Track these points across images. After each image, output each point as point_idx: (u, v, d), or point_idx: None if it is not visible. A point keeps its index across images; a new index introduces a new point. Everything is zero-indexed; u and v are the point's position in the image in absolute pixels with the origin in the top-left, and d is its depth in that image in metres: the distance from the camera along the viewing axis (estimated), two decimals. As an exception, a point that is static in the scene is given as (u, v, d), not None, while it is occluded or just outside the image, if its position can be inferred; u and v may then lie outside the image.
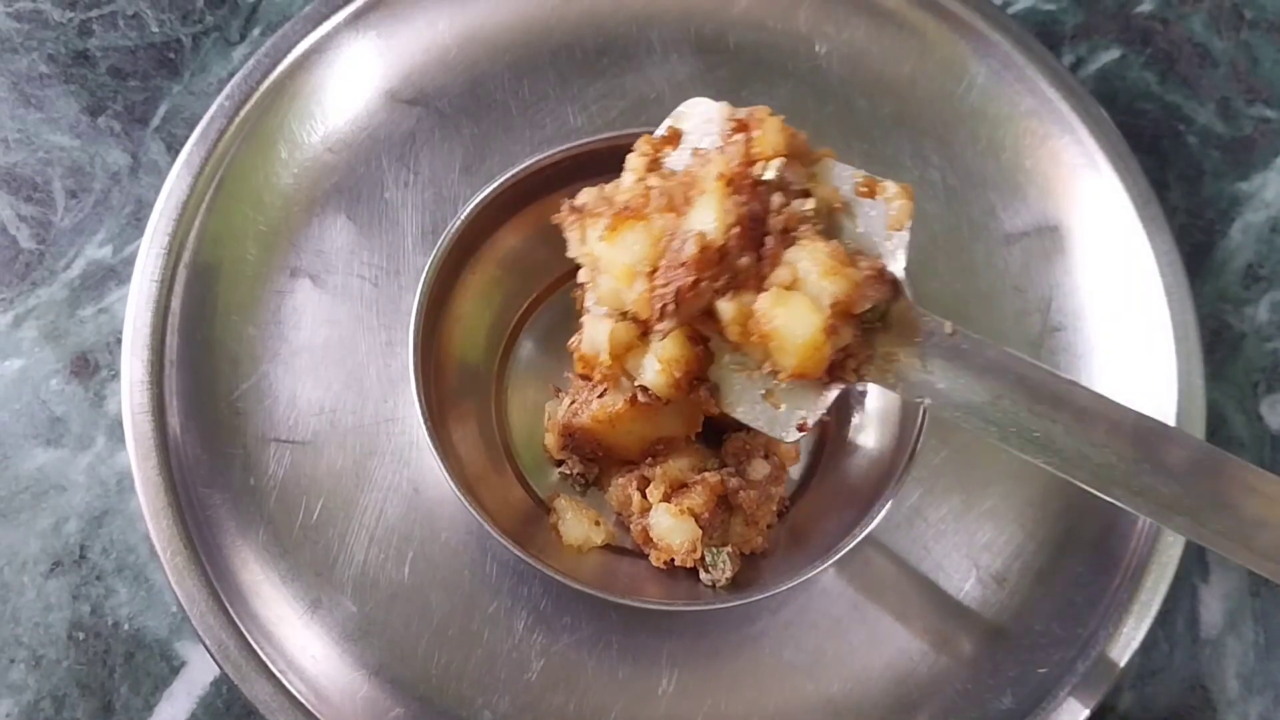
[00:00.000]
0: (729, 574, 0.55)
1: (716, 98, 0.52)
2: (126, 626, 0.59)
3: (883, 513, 0.52)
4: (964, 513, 0.58)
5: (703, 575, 0.55)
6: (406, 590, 0.55)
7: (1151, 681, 0.61)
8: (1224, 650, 0.62)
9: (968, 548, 0.58)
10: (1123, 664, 0.56)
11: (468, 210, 0.55)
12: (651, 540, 0.56)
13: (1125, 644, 0.56)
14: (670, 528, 0.54)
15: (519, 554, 0.51)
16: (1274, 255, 0.70)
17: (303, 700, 0.53)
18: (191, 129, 0.60)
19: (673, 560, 0.55)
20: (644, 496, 0.56)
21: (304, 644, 0.54)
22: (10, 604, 0.58)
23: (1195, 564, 0.63)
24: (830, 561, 0.51)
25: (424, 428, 0.51)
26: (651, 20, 0.66)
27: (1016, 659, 0.56)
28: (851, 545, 0.51)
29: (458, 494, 0.51)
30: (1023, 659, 0.56)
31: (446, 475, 0.51)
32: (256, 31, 0.70)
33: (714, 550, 0.55)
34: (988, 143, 0.65)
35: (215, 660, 0.53)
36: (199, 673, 0.58)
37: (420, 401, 0.52)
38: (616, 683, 0.54)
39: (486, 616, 0.55)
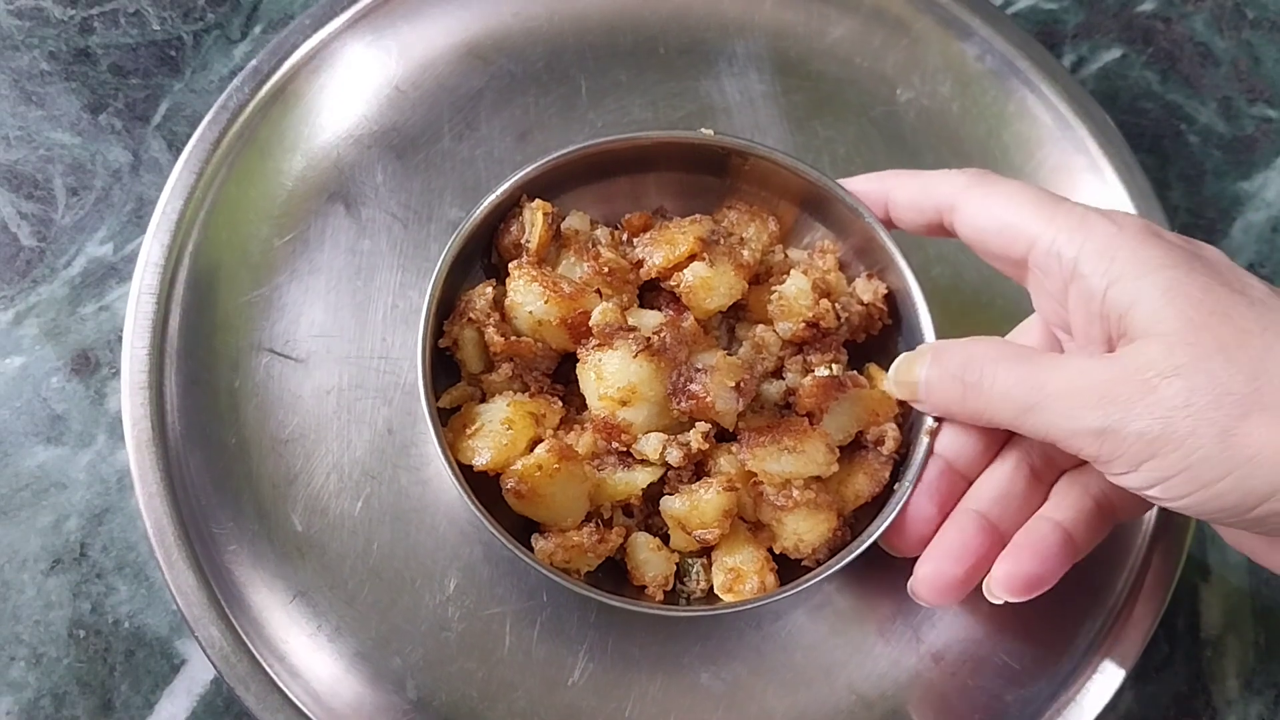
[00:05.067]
0: (704, 586, 0.54)
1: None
2: (127, 624, 0.59)
3: (869, 541, 0.52)
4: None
5: (678, 586, 0.55)
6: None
7: (1151, 681, 0.61)
8: (1224, 650, 0.62)
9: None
10: (1123, 664, 0.56)
11: (507, 184, 0.56)
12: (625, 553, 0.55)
13: (1125, 644, 0.56)
14: (646, 560, 0.54)
15: (518, 552, 0.50)
16: (1275, 255, 0.70)
17: (302, 706, 0.53)
18: (193, 127, 0.60)
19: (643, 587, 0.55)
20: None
21: (298, 641, 0.54)
22: (10, 602, 0.58)
23: (1195, 564, 0.63)
24: (815, 579, 0.52)
25: (423, 393, 0.52)
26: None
27: (1017, 659, 0.56)
28: (835, 568, 0.52)
29: (453, 479, 0.51)
30: (1022, 659, 0.56)
31: (447, 466, 0.51)
32: (258, 29, 0.70)
33: (689, 561, 0.55)
34: (987, 143, 0.65)
35: (212, 661, 0.53)
36: (199, 671, 0.58)
37: (423, 351, 0.52)
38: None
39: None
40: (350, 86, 0.63)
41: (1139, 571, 0.58)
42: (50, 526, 0.60)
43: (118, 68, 0.68)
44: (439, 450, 0.51)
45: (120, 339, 0.57)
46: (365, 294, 0.60)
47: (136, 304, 0.57)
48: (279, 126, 0.61)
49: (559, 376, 0.57)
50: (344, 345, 0.59)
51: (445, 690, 0.54)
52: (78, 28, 0.69)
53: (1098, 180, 0.64)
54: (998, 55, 0.66)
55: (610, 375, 0.51)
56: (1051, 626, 0.57)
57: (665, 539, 0.54)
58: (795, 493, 0.52)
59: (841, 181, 0.56)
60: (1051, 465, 0.51)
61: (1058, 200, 0.48)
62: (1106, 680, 0.56)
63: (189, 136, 0.60)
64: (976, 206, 0.49)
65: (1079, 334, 0.48)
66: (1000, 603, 0.49)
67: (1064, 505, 0.50)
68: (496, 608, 0.55)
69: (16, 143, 0.66)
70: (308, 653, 0.54)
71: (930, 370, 0.51)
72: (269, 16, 0.70)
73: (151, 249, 0.58)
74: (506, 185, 0.55)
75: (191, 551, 0.54)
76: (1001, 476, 0.51)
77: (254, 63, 0.61)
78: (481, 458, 0.51)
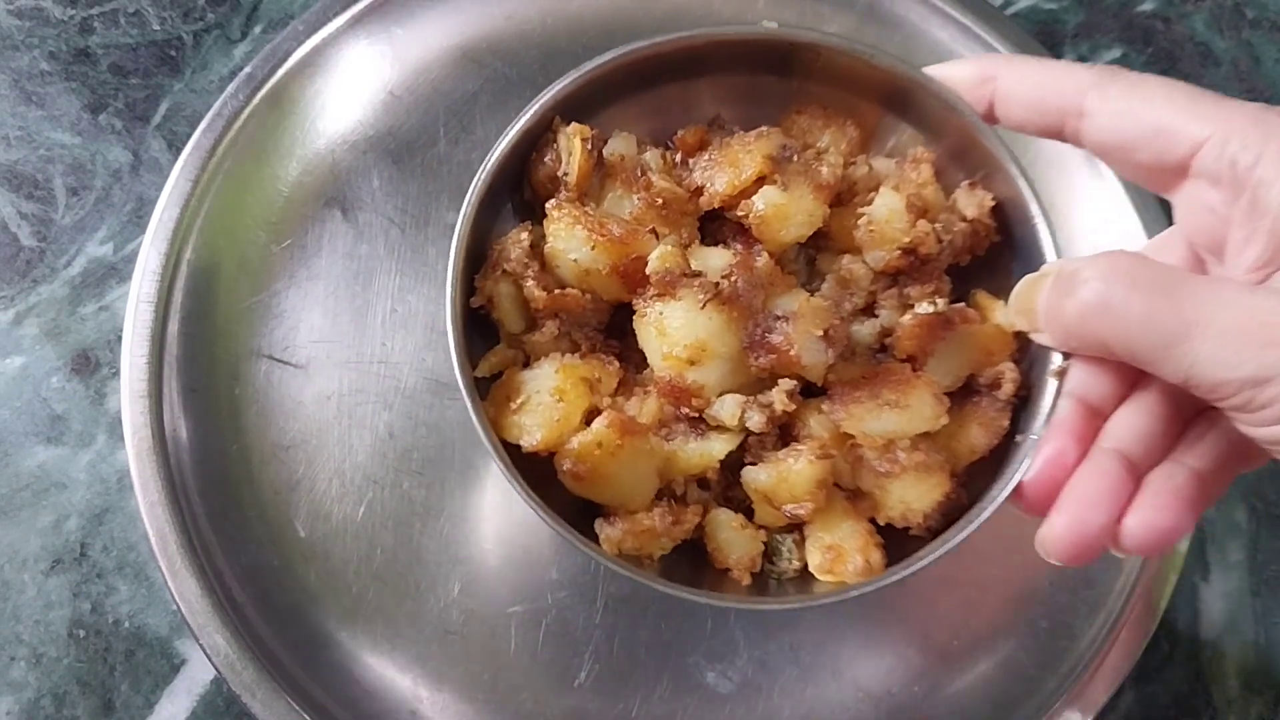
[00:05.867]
0: (797, 565, 0.48)
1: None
2: (127, 624, 0.59)
3: (977, 522, 0.45)
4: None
5: (766, 566, 0.49)
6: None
7: (1151, 681, 0.61)
8: (1224, 650, 0.62)
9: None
10: (1123, 664, 0.56)
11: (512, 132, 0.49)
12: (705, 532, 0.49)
13: (1126, 644, 0.56)
14: (728, 540, 0.48)
15: (585, 548, 0.45)
16: (1275, 255, 0.70)
17: (307, 713, 0.53)
18: (193, 127, 0.60)
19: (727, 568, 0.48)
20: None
21: (302, 648, 0.54)
22: (11, 602, 0.58)
23: (1195, 564, 0.63)
24: (918, 567, 0.45)
25: (460, 380, 0.45)
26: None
27: (1022, 657, 0.56)
28: (931, 559, 0.45)
29: (511, 480, 0.44)
30: (1028, 657, 0.56)
31: (506, 473, 0.45)
32: (258, 29, 0.70)
33: (779, 538, 0.48)
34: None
35: (216, 668, 0.53)
36: (199, 671, 0.58)
37: (456, 331, 0.46)
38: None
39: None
40: (345, 91, 0.62)
41: (1139, 571, 0.58)
42: (50, 526, 0.60)
43: (118, 68, 0.68)
44: (479, 429, 0.44)
45: (120, 339, 0.57)
46: (364, 299, 0.59)
47: (135, 312, 0.57)
48: (274, 133, 0.61)
49: (612, 329, 0.50)
50: (343, 350, 0.59)
51: (451, 694, 0.54)
52: (78, 28, 0.69)
53: (1096, 178, 0.64)
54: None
55: (675, 331, 0.44)
56: (1055, 625, 0.57)
57: (749, 513, 0.48)
58: (901, 455, 0.45)
59: (930, 70, 0.48)
60: (1192, 402, 0.42)
61: (1218, 96, 0.41)
62: (1107, 680, 0.56)
63: (189, 136, 0.60)
64: (1117, 107, 0.42)
65: (1235, 257, 0.41)
66: (1058, 563, 0.42)
67: (1201, 450, 0.43)
68: (501, 610, 0.55)
69: (16, 143, 0.66)
70: (312, 658, 0.54)
71: (1054, 294, 0.43)
72: (269, 16, 0.70)
73: (149, 257, 0.58)
74: (535, 107, 0.48)
75: (195, 558, 0.54)
76: (1143, 412, 0.44)
77: (248, 69, 0.61)
78: (532, 437, 0.45)
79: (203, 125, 0.60)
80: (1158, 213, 0.64)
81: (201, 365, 0.57)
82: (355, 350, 0.58)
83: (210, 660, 0.53)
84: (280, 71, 0.62)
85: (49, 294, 0.64)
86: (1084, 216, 0.63)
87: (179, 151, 0.60)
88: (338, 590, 0.55)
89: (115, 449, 0.61)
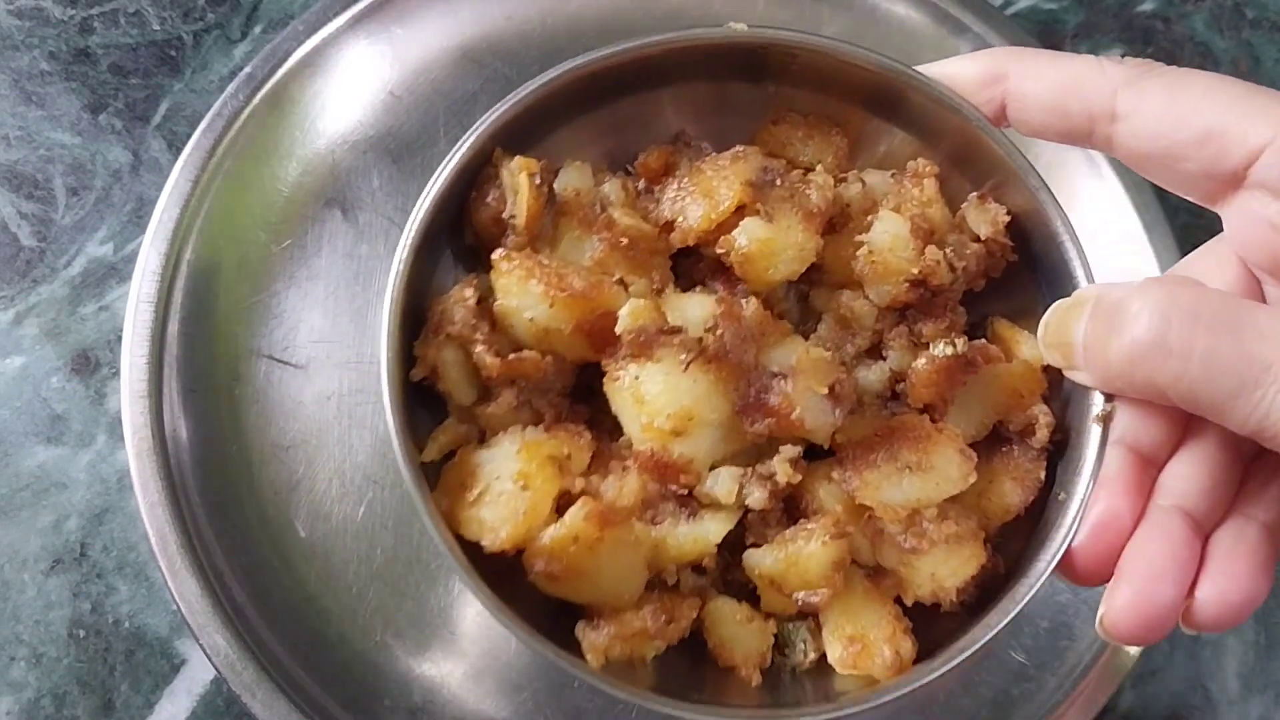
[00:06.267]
0: (814, 656, 0.42)
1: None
2: (127, 624, 0.59)
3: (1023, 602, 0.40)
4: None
5: (777, 658, 0.43)
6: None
7: (1151, 681, 0.61)
8: (1224, 650, 0.62)
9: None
10: (1123, 664, 0.56)
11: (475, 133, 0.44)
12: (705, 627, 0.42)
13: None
14: (733, 636, 0.42)
15: (569, 666, 0.39)
16: (1275, 255, 0.70)
17: (307, 712, 0.53)
18: (193, 127, 0.60)
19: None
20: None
21: (302, 648, 0.54)
22: (11, 602, 0.58)
23: (1195, 564, 0.63)
24: (958, 660, 0.40)
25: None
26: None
27: (1023, 657, 0.56)
28: (976, 647, 0.40)
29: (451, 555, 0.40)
30: (1023, 660, 0.56)
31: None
32: (258, 29, 0.70)
33: (791, 627, 0.42)
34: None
35: (217, 669, 0.53)
36: (199, 671, 0.58)
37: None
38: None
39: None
40: (345, 91, 0.62)
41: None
42: (50, 526, 0.60)
43: (118, 68, 0.68)
44: (431, 529, 0.38)
45: (120, 339, 0.57)
46: (364, 299, 0.59)
47: (135, 312, 0.57)
48: (274, 133, 0.61)
49: (578, 390, 0.43)
50: (344, 350, 0.58)
51: (451, 694, 0.54)
52: (78, 28, 0.69)
53: (1095, 178, 0.64)
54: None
55: (655, 397, 0.37)
56: (1055, 625, 0.57)
57: (754, 598, 0.42)
58: (929, 527, 0.39)
59: (929, 70, 0.42)
60: (1253, 443, 0.36)
61: (1273, 93, 0.35)
62: (1107, 680, 0.56)
63: (189, 136, 0.60)
64: (1156, 109, 0.36)
65: None
66: (1123, 644, 0.38)
67: (1269, 500, 0.38)
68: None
69: (17, 143, 0.66)
70: (312, 658, 0.54)
71: (1096, 329, 0.36)
72: (269, 16, 0.70)
73: (149, 257, 0.58)
74: (470, 137, 0.42)
75: (195, 559, 0.54)
76: (1203, 460, 0.38)
77: (248, 69, 0.61)
78: (495, 536, 0.38)
79: (203, 125, 0.60)
80: (1158, 212, 0.64)
81: (201, 365, 0.57)
82: (355, 350, 0.58)
83: (210, 660, 0.53)
84: (280, 71, 0.62)
85: (49, 294, 0.64)
86: (1084, 216, 0.62)
87: (179, 151, 0.60)
88: (338, 590, 0.55)
89: (115, 449, 0.61)
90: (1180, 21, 0.74)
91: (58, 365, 0.62)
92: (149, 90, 0.68)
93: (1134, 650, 0.56)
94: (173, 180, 0.59)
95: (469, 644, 0.55)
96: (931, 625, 0.41)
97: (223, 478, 0.56)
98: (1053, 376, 0.41)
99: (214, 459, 0.56)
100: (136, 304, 0.57)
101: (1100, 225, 0.63)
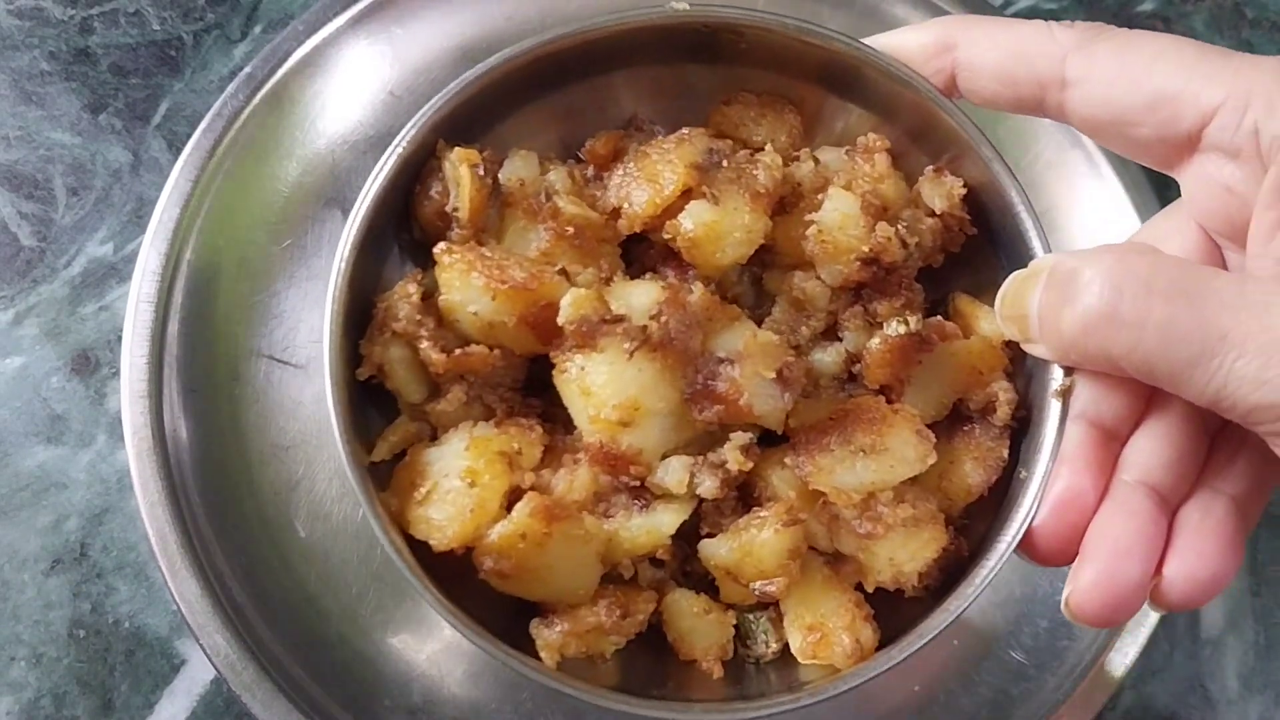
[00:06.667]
0: (776, 647, 0.42)
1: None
2: (127, 624, 0.58)
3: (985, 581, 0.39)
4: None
5: (740, 650, 0.43)
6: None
7: (1151, 681, 0.61)
8: (1224, 650, 0.62)
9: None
10: (1123, 664, 0.56)
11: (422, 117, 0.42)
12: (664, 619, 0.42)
13: (1126, 644, 0.56)
14: (692, 629, 0.41)
15: (520, 667, 0.39)
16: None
17: (307, 712, 0.53)
18: (193, 127, 0.60)
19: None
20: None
21: (302, 647, 0.54)
22: (10, 601, 0.58)
23: (1195, 564, 0.63)
24: (918, 646, 0.39)
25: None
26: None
27: (1023, 656, 0.56)
28: (944, 626, 0.39)
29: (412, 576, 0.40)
30: (1023, 660, 0.56)
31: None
32: (258, 29, 0.70)
33: (752, 618, 0.42)
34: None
35: (217, 668, 0.53)
36: (199, 671, 0.58)
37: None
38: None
39: None
40: (345, 91, 0.62)
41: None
42: (50, 526, 0.60)
43: (118, 68, 0.68)
44: (377, 529, 0.38)
45: (120, 339, 0.57)
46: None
47: (135, 312, 0.57)
48: (274, 133, 0.61)
49: (532, 384, 0.43)
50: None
51: (451, 694, 0.54)
52: (78, 28, 0.69)
53: (1095, 177, 0.64)
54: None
55: (601, 388, 0.37)
56: (1055, 625, 0.57)
57: (713, 590, 0.41)
58: (884, 510, 0.38)
59: (878, 42, 0.41)
60: (1217, 415, 0.35)
61: (1229, 52, 0.34)
62: (1107, 680, 0.56)
63: (189, 136, 0.60)
64: (1107, 73, 0.35)
65: (1262, 245, 0.34)
66: (1089, 625, 0.35)
67: (1236, 473, 0.36)
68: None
69: (16, 143, 0.66)
70: (312, 658, 0.54)
71: (1050, 299, 0.35)
72: (269, 16, 0.70)
73: (149, 257, 0.58)
74: (411, 130, 0.41)
75: (194, 559, 0.54)
76: (1167, 433, 0.36)
77: (248, 69, 0.61)
78: (442, 535, 0.38)
79: (203, 125, 0.60)
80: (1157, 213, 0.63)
81: (201, 365, 0.57)
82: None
83: (210, 660, 0.53)
84: (280, 71, 0.62)
85: (49, 294, 0.64)
86: (1084, 217, 0.63)
87: (179, 151, 0.60)
88: (338, 590, 0.55)
89: (115, 449, 0.61)
90: (1180, 21, 0.74)
91: (58, 365, 0.62)
92: (149, 90, 0.68)
93: (1133, 650, 0.56)
94: (173, 180, 0.59)
95: (469, 644, 0.54)
96: (896, 612, 0.41)
97: (223, 478, 0.56)
98: (1016, 353, 0.41)
99: (214, 459, 0.56)
100: (136, 304, 0.57)
101: (1100, 225, 0.63)
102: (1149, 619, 0.57)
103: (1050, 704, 0.56)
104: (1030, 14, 0.74)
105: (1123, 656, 0.56)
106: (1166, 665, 0.62)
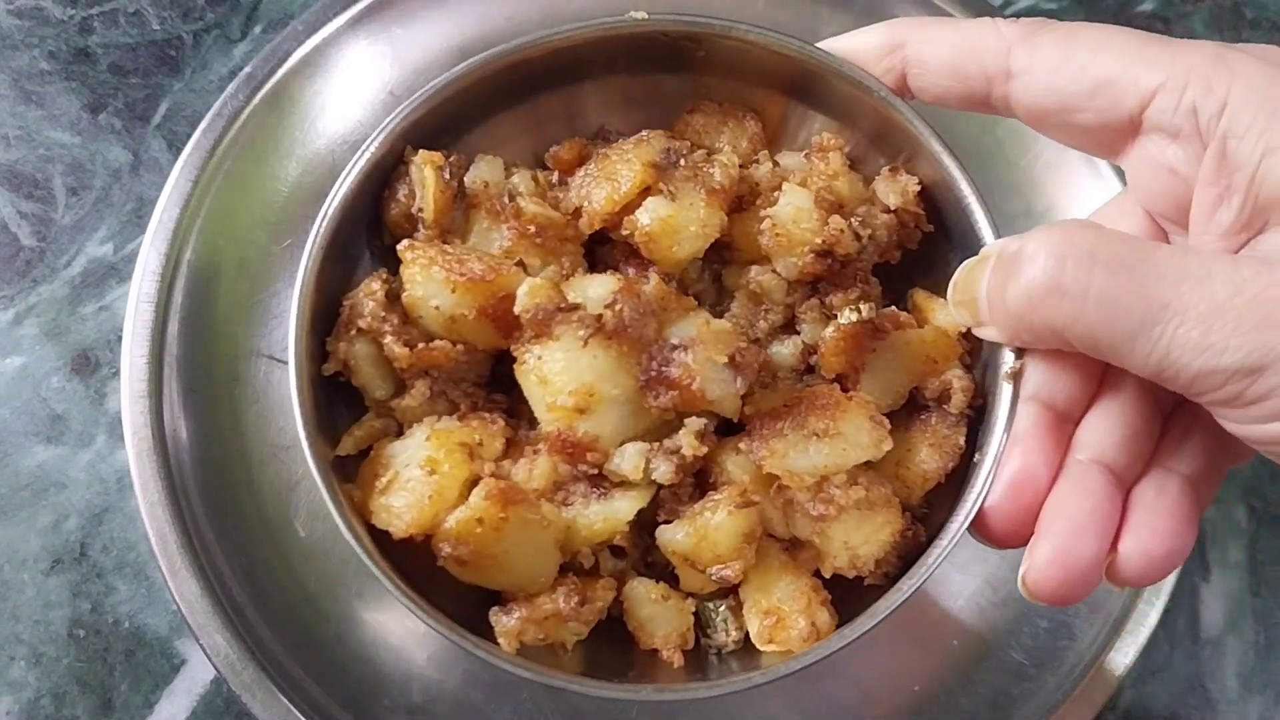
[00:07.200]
0: (737, 636, 0.42)
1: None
2: (127, 624, 0.59)
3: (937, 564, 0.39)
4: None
5: (703, 640, 0.44)
6: None
7: (1151, 681, 0.61)
8: (1224, 650, 0.62)
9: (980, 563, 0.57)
10: (1123, 664, 0.56)
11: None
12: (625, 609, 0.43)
13: (1126, 644, 0.56)
14: (651, 616, 0.41)
15: (479, 651, 0.40)
16: (1275, 255, 0.70)
17: (307, 712, 0.53)
18: (193, 126, 0.60)
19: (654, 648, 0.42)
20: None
21: (302, 647, 0.54)
22: (10, 601, 0.58)
23: (1196, 564, 0.63)
24: (870, 625, 0.39)
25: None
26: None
27: (1023, 656, 0.56)
28: (900, 603, 0.39)
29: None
30: (1023, 660, 0.56)
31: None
32: (258, 29, 0.70)
33: (712, 606, 0.42)
34: (981, 138, 0.65)
35: (217, 668, 0.53)
36: (199, 671, 0.58)
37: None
38: None
39: None
40: (345, 91, 0.62)
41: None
42: (50, 526, 0.60)
43: (118, 68, 0.68)
44: (336, 517, 0.39)
45: (120, 339, 0.57)
46: None
47: (135, 312, 0.57)
48: (274, 133, 0.61)
49: (498, 382, 0.44)
50: None
51: (451, 691, 0.54)
52: (78, 28, 0.69)
53: (1094, 176, 0.63)
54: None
55: (557, 376, 0.38)
56: (1055, 625, 0.57)
57: (673, 579, 0.42)
58: (836, 493, 0.39)
59: (830, 46, 0.42)
60: (1170, 394, 0.36)
61: (1167, 39, 0.35)
62: (1107, 680, 0.56)
63: (189, 136, 0.60)
64: (1049, 62, 0.36)
65: (1203, 223, 0.35)
66: (1045, 603, 0.36)
67: (1190, 451, 0.37)
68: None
69: (16, 142, 0.66)
70: (312, 658, 0.54)
71: (996, 278, 0.36)
72: (269, 16, 0.70)
73: (149, 257, 0.58)
74: (379, 136, 0.42)
75: (195, 559, 0.54)
76: (1120, 412, 0.37)
77: (248, 69, 0.61)
78: (400, 521, 0.38)
79: (203, 125, 0.60)
80: (1158, 213, 0.63)
81: (201, 365, 0.57)
82: None
83: (210, 660, 0.53)
84: (280, 71, 0.62)
85: (49, 294, 0.64)
86: (1083, 217, 0.63)
87: (179, 151, 0.60)
88: (337, 590, 0.55)
89: (115, 449, 0.61)
90: (1180, 21, 0.74)
91: (58, 365, 0.62)
92: (149, 90, 0.68)
93: (1133, 650, 0.56)
94: (173, 180, 0.59)
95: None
96: (856, 600, 0.41)
97: (223, 478, 0.56)
98: (973, 344, 0.42)
99: (214, 459, 0.56)
100: (136, 304, 0.57)
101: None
102: (1149, 619, 0.57)
103: (1050, 704, 0.56)
104: (1030, 13, 0.74)
105: (1123, 656, 0.56)
106: (1166, 665, 0.62)
